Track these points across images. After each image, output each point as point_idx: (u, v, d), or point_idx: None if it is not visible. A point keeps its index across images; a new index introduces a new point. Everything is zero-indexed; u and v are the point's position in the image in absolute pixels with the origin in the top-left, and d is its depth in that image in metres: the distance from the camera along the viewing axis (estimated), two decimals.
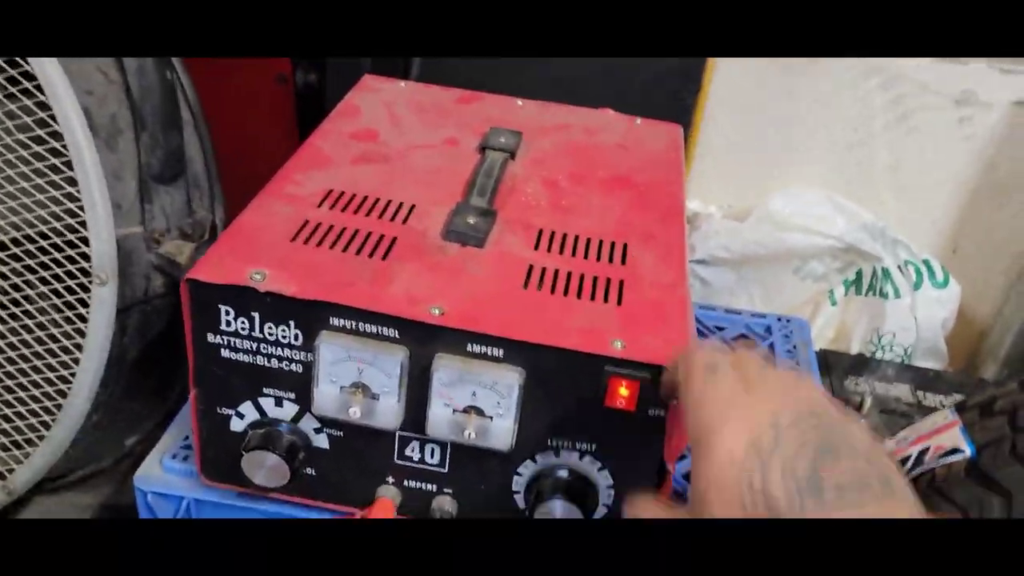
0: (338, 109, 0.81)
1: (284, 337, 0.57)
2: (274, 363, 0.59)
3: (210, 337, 0.58)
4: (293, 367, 0.59)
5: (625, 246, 0.66)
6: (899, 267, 0.97)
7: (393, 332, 0.56)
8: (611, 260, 0.64)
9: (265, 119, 1.11)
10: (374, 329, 0.56)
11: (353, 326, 0.56)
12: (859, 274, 1.00)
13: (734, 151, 1.08)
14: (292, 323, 0.57)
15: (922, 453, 0.48)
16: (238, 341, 0.58)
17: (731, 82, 1.03)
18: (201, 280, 0.56)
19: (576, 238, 0.66)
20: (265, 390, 0.60)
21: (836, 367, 0.94)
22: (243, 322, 0.57)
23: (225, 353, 0.59)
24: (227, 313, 0.57)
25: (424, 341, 0.56)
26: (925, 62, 0.99)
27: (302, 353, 0.58)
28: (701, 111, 1.04)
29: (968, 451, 0.45)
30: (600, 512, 0.62)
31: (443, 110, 0.84)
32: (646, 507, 0.46)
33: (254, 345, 0.58)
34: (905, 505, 0.38)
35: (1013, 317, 1.02)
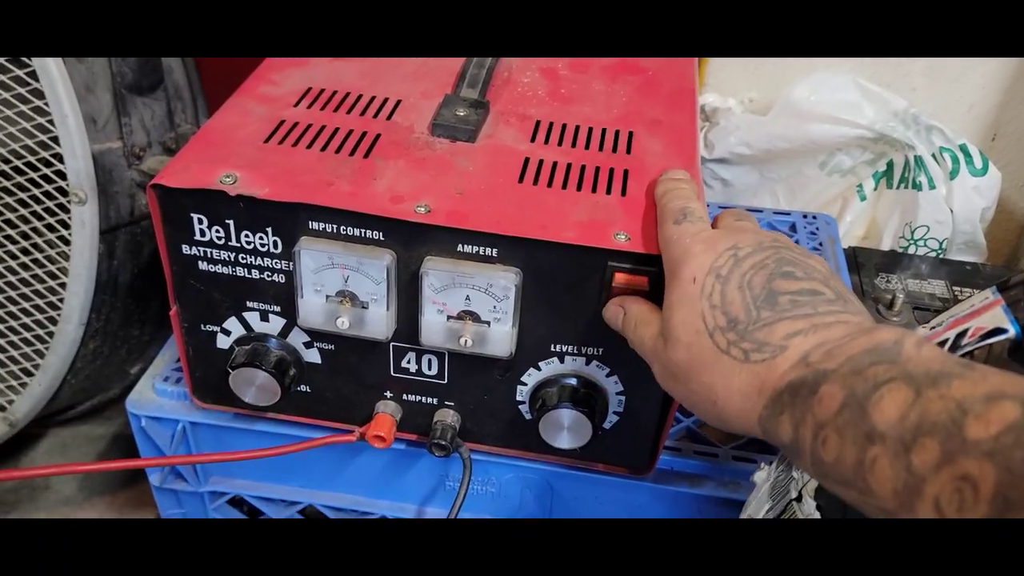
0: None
1: (263, 245, 0.53)
2: (255, 274, 0.55)
3: (185, 248, 0.54)
4: (275, 277, 0.55)
5: (631, 134, 0.60)
6: (933, 155, 0.90)
7: (377, 234, 0.52)
8: (615, 150, 0.58)
9: None
10: (357, 232, 0.52)
11: (334, 229, 0.52)
12: (890, 165, 0.93)
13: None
14: (269, 230, 0.53)
15: (960, 335, 0.43)
16: (215, 252, 0.54)
17: None
18: (167, 186, 0.51)
19: (577, 128, 0.60)
20: (249, 303, 0.56)
21: (866, 265, 0.88)
22: (218, 230, 0.53)
23: (203, 265, 0.55)
24: (200, 222, 0.53)
25: (411, 242, 0.52)
26: None
27: (283, 262, 0.54)
28: None
29: (1013, 330, 0.41)
30: (610, 420, 0.58)
31: (418, 64, 0.77)
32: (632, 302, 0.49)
33: (232, 255, 0.54)
34: (858, 316, 0.39)
35: None
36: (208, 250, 0.54)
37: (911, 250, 0.93)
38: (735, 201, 1.02)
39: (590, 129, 0.60)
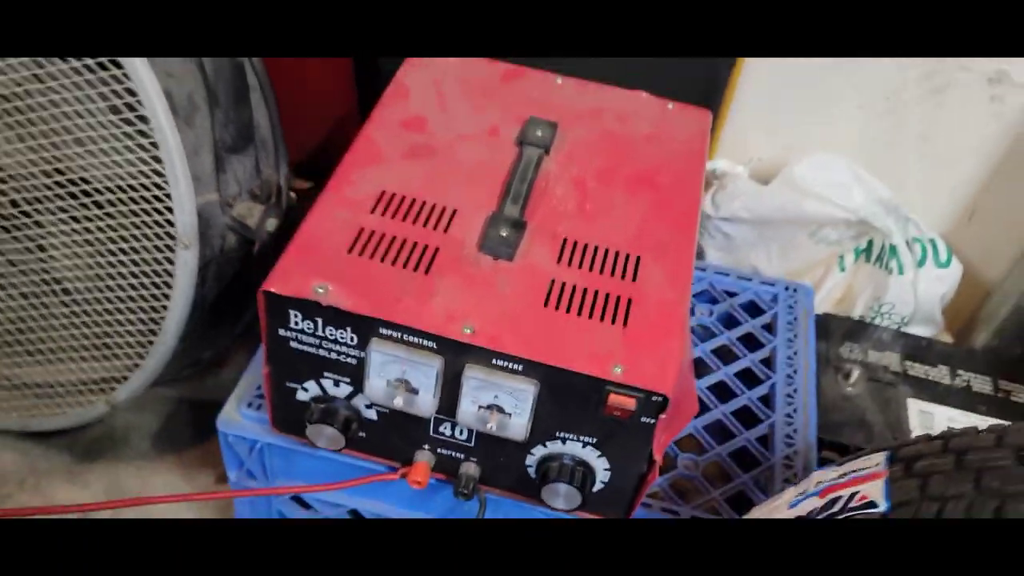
0: (389, 91, 0.88)
1: (342, 339, 0.69)
2: (333, 355, 0.70)
3: (281, 331, 0.70)
4: (349, 359, 0.70)
5: (638, 259, 0.74)
6: (907, 242, 1.03)
7: (431, 344, 0.67)
8: (623, 276, 0.73)
9: (324, 73, 1.17)
10: (416, 340, 0.67)
11: (399, 336, 0.67)
12: (870, 244, 1.07)
13: (769, 108, 1.13)
14: (348, 328, 0.68)
15: (851, 497, 0.58)
16: (304, 337, 0.70)
17: None
18: (275, 292, 0.67)
19: (596, 249, 0.75)
20: (325, 374, 0.72)
21: (834, 333, 1.03)
22: (308, 324, 0.69)
23: (293, 344, 0.71)
24: (295, 316, 0.68)
25: (457, 353, 0.67)
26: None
27: (356, 351, 0.69)
28: (740, 66, 1.08)
29: (883, 507, 0.56)
30: (598, 486, 0.74)
31: (487, 90, 0.90)
32: None
33: (317, 341, 0.70)
34: None
35: (1013, 288, 1.09)
36: (299, 335, 0.70)
37: (877, 320, 1.08)
38: (736, 253, 1.16)
39: (606, 251, 0.75)
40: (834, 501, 0.58)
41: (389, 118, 0.85)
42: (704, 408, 0.91)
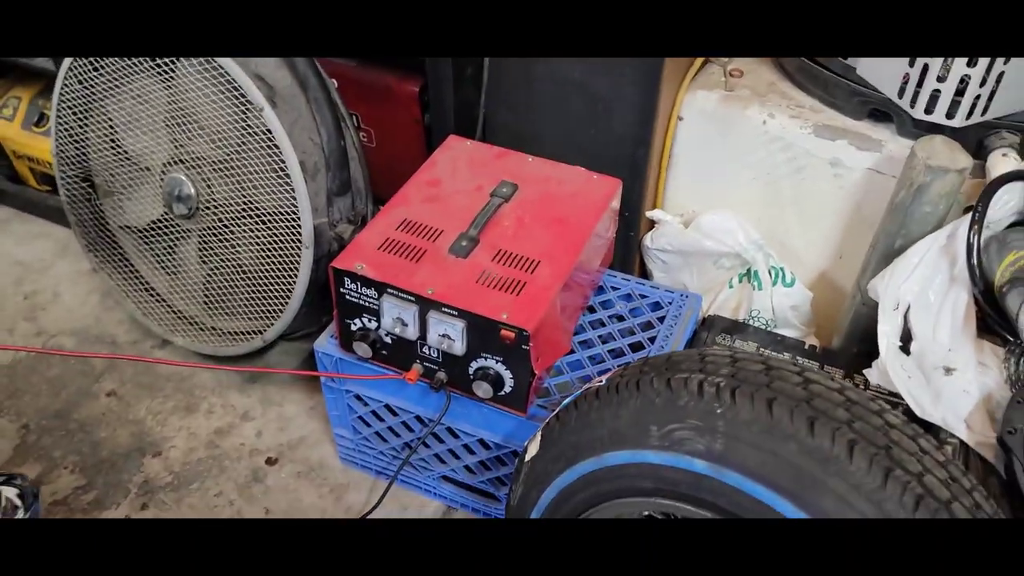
0: (426, 162, 1.51)
1: (369, 294, 1.31)
2: (364, 303, 1.33)
3: (340, 290, 1.33)
4: (373, 306, 1.32)
5: (538, 262, 1.32)
6: (769, 270, 1.52)
7: (412, 298, 1.28)
8: (525, 270, 1.31)
9: (405, 144, 1.83)
10: (405, 296, 1.28)
11: (397, 294, 1.29)
12: (749, 270, 1.57)
13: (693, 180, 1.66)
14: (372, 288, 1.30)
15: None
16: (352, 293, 1.33)
17: (689, 136, 1.60)
18: (337, 267, 1.30)
19: (515, 255, 1.33)
20: (364, 315, 1.35)
21: (716, 327, 1.54)
22: (353, 285, 1.32)
23: (348, 297, 1.34)
24: (348, 280, 1.32)
25: (426, 304, 1.27)
26: (807, 136, 1.50)
27: (376, 302, 1.31)
28: (667, 152, 1.63)
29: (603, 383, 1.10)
30: (508, 389, 1.31)
31: (483, 163, 1.51)
32: None
33: (357, 296, 1.32)
34: None
35: (851, 304, 1.55)
36: (348, 293, 1.33)
37: (751, 322, 1.57)
38: (670, 273, 1.69)
39: (520, 257, 1.33)
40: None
41: (419, 179, 1.48)
42: (603, 362, 1.45)
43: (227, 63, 1.41)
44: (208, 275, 1.67)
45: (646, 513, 1.05)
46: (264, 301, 1.62)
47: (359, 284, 1.31)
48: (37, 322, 1.96)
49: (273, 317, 1.62)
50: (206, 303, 1.72)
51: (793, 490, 0.89)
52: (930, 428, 1.24)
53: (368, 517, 1.54)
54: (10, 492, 0.96)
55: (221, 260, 1.64)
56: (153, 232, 1.70)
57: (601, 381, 1.11)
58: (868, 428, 0.91)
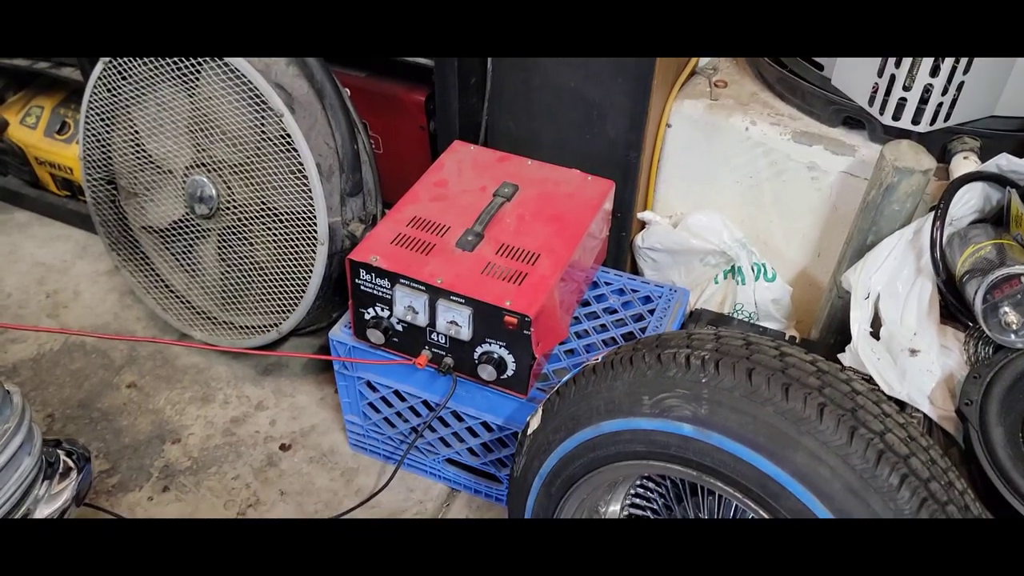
0: (434, 165, 1.63)
1: (382, 284, 1.42)
2: (378, 292, 1.44)
3: (355, 280, 1.44)
4: (386, 295, 1.43)
5: (538, 255, 1.43)
6: (751, 266, 1.64)
7: (423, 288, 1.39)
8: (526, 263, 1.42)
9: (411, 150, 1.94)
10: (416, 285, 1.39)
11: (408, 283, 1.39)
12: (733, 267, 1.69)
13: (681, 183, 1.78)
14: (386, 279, 1.41)
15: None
16: (365, 284, 1.43)
17: (677, 142, 1.72)
18: (353, 259, 1.41)
19: (517, 249, 1.44)
20: (377, 304, 1.45)
21: (702, 319, 1.65)
22: (368, 276, 1.42)
23: (363, 287, 1.44)
24: (363, 271, 1.42)
25: (435, 293, 1.38)
26: (786, 142, 1.62)
27: (389, 291, 1.42)
28: (657, 157, 1.75)
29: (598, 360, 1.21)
30: (510, 372, 1.42)
31: (487, 166, 1.63)
32: None
33: (372, 286, 1.43)
34: None
35: (827, 298, 1.66)
36: (363, 283, 1.44)
37: (736, 315, 1.69)
38: (661, 269, 1.81)
39: (522, 250, 1.44)
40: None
41: (427, 180, 1.59)
42: (596, 350, 1.56)
43: (250, 72, 1.52)
44: (226, 271, 1.78)
45: (628, 512, 1.15)
46: (280, 295, 1.73)
47: (374, 275, 1.42)
48: (59, 319, 2.06)
49: (289, 310, 1.73)
50: (223, 298, 1.82)
51: (770, 448, 1.00)
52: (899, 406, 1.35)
53: (371, 507, 1.64)
54: (64, 455, 1.06)
55: (239, 257, 1.74)
56: (173, 232, 1.80)
57: (597, 359, 1.22)
58: (836, 394, 1.02)
